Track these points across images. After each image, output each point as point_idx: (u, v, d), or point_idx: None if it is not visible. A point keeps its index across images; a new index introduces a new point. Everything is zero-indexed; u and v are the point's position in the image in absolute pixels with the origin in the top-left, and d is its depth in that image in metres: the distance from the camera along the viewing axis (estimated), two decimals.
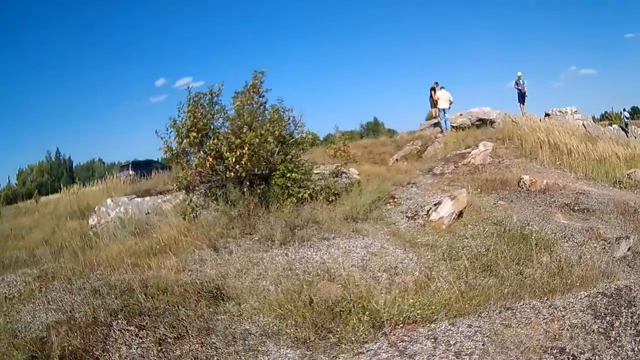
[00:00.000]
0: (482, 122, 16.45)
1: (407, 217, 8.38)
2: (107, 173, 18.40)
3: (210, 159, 7.99)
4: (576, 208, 9.07)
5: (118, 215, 9.83)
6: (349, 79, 56.28)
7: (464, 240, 7.04)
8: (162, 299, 4.89)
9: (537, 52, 51.66)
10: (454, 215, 7.98)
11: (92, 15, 51.47)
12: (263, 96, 8.97)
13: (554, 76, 51.46)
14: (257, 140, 7.76)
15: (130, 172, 17.62)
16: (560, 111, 18.14)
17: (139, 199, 10.43)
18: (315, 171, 9.60)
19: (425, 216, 8.14)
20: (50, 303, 5.19)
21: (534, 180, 10.15)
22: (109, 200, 10.65)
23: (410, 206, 8.98)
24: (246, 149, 7.66)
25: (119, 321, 4.51)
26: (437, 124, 17.30)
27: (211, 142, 8.03)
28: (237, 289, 5.20)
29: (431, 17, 55.01)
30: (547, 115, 18.43)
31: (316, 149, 13.66)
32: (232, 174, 7.86)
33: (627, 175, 11.68)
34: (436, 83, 17.70)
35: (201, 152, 8.11)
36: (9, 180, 31.33)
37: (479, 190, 10.24)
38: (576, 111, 18.01)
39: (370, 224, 7.74)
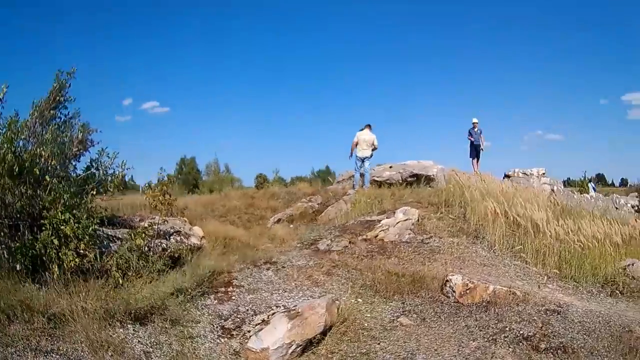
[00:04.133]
0: (417, 179, 11.85)
1: (222, 328, 5.10)
2: None
3: None
4: (543, 346, 4.73)
5: None
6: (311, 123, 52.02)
7: None
8: None
9: (503, 113, 49.13)
10: (295, 347, 4.51)
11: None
12: (66, 107, 6.44)
13: (518, 139, 48.92)
14: None
15: None
16: (523, 172, 14.00)
17: None
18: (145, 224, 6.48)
19: (250, 335, 4.77)
20: None
21: (470, 285, 5.48)
22: None
23: (243, 307, 5.57)
24: None
25: None
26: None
27: None
28: None
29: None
30: (507, 176, 14.27)
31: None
32: None
33: (623, 270, 7.17)
34: (370, 127, 12.61)
35: None
36: None
37: (374, 290, 5.96)
38: (544, 173, 13.90)
39: (149, 331, 4.70)
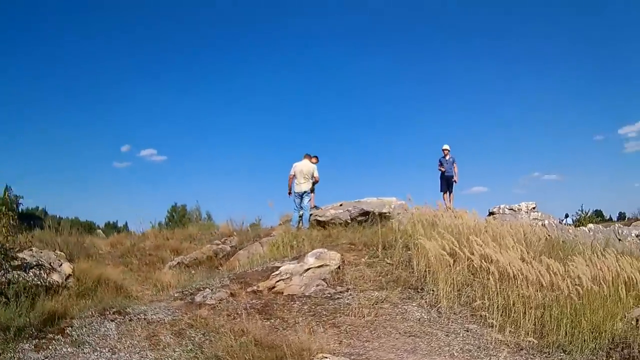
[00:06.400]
0: (366, 218, 9.39)
1: None
2: None
3: None
4: None
5: None
6: None
7: None
8: None
9: (497, 159, 46.88)
10: None
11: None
12: None
13: (514, 183, 46.47)
14: None
15: None
16: (510, 208, 11.49)
17: None
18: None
19: None
20: None
21: None
22: None
23: None
24: None
25: None
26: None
27: None
28: None
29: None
30: (490, 214, 11.73)
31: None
32: None
33: (636, 323, 4.87)
34: (310, 157, 10.31)
35: None
36: None
37: None
38: (534, 208, 11.41)
39: None
